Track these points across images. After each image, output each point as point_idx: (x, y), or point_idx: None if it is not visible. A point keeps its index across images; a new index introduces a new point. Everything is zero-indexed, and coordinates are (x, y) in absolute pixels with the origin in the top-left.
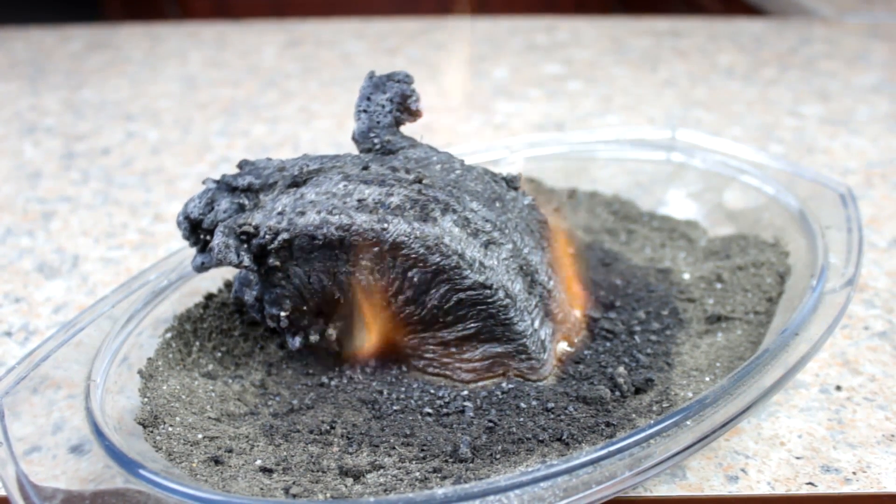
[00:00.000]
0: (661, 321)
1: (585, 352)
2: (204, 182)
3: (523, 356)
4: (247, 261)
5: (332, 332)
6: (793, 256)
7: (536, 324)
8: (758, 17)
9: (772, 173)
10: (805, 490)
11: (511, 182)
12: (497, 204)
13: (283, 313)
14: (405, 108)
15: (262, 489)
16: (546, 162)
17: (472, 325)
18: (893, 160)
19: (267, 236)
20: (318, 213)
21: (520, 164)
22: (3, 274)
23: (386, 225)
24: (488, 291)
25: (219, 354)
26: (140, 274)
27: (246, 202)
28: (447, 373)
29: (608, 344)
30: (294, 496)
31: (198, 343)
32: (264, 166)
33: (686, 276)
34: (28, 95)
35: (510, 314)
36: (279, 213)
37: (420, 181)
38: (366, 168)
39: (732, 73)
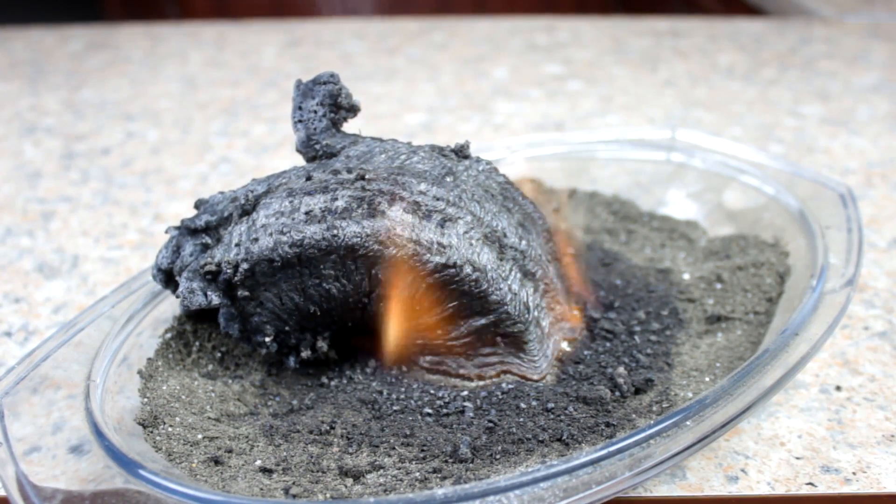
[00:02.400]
0: (661, 321)
1: (585, 352)
2: (167, 231)
3: (508, 322)
4: (216, 299)
5: (322, 345)
6: (793, 256)
7: (515, 287)
8: (758, 17)
9: (772, 173)
10: (805, 490)
11: (460, 151)
12: (448, 178)
13: (267, 339)
14: (338, 107)
15: (262, 489)
16: (546, 162)
17: (450, 305)
18: (893, 160)
19: (228, 270)
20: (271, 235)
21: (520, 164)
22: (3, 274)
23: (336, 231)
24: (453, 270)
25: (219, 355)
26: (140, 274)
27: (209, 241)
28: (441, 352)
29: (608, 344)
30: (294, 496)
31: (198, 343)
32: (217, 201)
33: (686, 276)
34: (28, 95)
35: (483, 287)
36: (236, 245)
37: (362, 177)
38: (309, 178)
39: (732, 73)
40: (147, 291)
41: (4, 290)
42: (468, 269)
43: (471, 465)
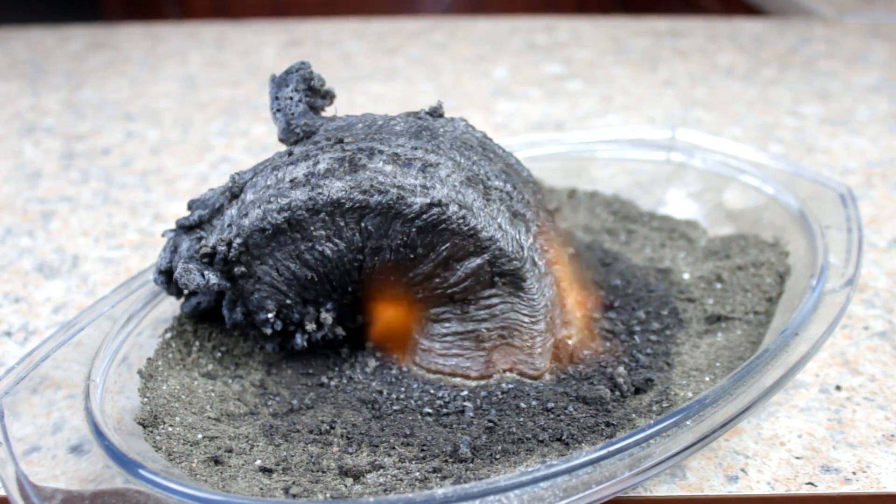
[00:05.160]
0: (661, 321)
1: (585, 352)
2: (163, 234)
3: (503, 260)
4: (213, 279)
5: (326, 316)
6: (793, 256)
7: (505, 225)
8: (758, 17)
9: (772, 173)
10: (805, 490)
11: (434, 112)
12: (425, 133)
13: (270, 315)
14: (313, 91)
15: (261, 489)
16: (546, 162)
17: (442, 248)
18: (893, 160)
19: (222, 248)
20: (259, 207)
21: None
22: (3, 274)
23: (320, 189)
24: (439, 209)
25: (219, 354)
26: (140, 274)
27: (203, 234)
28: (444, 301)
29: (608, 344)
30: (294, 496)
31: (197, 343)
32: (209, 197)
33: (686, 276)
34: (28, 95)
35: (471, 223)
36: (228, 225)
37: (341, 141)
38: (290, 154)
39: (732, 73)
40: (147, 291)
41: (4, 290)
42: (454, 208)
43: (471, 464)
